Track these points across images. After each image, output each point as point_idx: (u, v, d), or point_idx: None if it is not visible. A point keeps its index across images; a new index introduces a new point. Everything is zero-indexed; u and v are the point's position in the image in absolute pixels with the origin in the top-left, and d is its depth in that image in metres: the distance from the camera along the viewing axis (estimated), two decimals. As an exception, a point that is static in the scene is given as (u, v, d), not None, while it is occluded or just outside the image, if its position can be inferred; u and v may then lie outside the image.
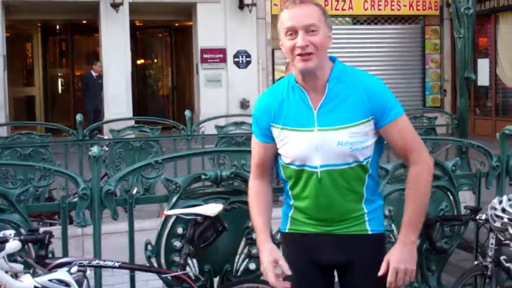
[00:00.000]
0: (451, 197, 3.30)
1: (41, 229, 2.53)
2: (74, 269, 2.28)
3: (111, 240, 3.90)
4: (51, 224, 5.52)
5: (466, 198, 4.24)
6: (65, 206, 2.86)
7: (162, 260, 2.85)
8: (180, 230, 2.84)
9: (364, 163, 2.15)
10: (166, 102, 17.11)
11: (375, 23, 14.62)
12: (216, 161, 6.08)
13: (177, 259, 2.82)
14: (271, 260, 2.15)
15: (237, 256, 2.99)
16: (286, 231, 2.29)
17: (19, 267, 2.37)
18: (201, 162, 6.04)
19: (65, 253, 2.81)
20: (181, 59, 16.28)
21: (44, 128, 10.19)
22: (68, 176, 2.98)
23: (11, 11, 13.47)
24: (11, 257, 2.39)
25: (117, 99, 13.13)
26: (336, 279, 2.30)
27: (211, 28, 13.51)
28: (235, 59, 13.81)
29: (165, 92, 17.43)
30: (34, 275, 2.24)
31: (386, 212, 3.01)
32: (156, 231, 2.87)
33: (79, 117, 6.36)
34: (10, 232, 2.36)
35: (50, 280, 2.18)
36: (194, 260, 2.87)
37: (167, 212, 2.82)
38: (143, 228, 3.76)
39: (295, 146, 2.16)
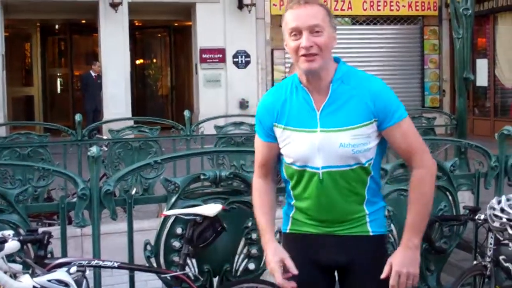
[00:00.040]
0: (450, 197, 3.30)
1: (40, 229, 2.53)
2: (73, 269, 2.28)
3: (110, 240, 3.89)
4: (50, 225, 5.51)
5: (465, 198, 4.24)
6: (64, 206, 2.86)
7: (162, 260, 2.85)
8: (179, 230, 2.84)
9: (366, 165, 2.14)
10: (165, 102, 17.10)
11: (374, 24, 14.64)
12: (215, 161, 6.08)
13: (176, 259, 2.82)
14: (278, 260, 2.16)
15: (237, 256, 2.99)
16: (287, 231, 2.28)
17: (18, 267, 2.37)
18: (200, 162, 6.03)
19: (64, 253, 2.81)
20: (180, 59, 16.28)
21: (43, 128, 10.17)
22: (67, 176, 2.99)
23: (10, 10, 13.46)
24: (10, 258, 2.39)
25: (116, 99, 13.13)
26: (337, 279, 2.30)
27: (210, 28, 13.51)
28: (234, 59, 13.81)
29: (164, 92, 17.43)
30: (33, 275, 2.24)
31: (385, 212, 3.01)
32: (155, 231, 2.87)
33: (78, 117, 6.35)
34: (9, 233, 2.36)
35: (49, 280, 2.18)
36: (194, 260, 2.87)
37: (166, 212, 2.82)
38: (142, 228, 3.76)
39: (297, 146, 2.15)
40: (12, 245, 2.27)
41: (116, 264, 2.60)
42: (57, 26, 16.92)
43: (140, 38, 17.02)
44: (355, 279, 2.20)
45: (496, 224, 3.11)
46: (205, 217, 2.73)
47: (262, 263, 2.99)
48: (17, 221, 2.70)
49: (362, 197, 2.17)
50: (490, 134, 10.95)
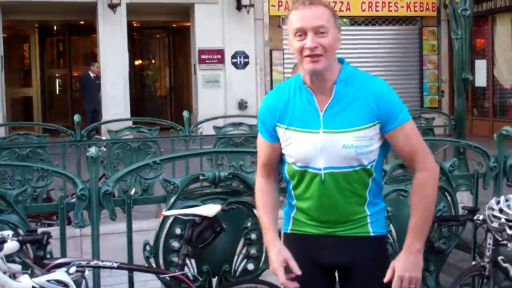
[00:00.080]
0: (449, 197, 3.30)
1: (39, 230, 2.53)
2: (73, 269, 2.28)
3: (110, 241, 3.89)
4: (49, 225, 5.50)
5: (464, 198, 4.24)
6: (63, 206, 2.86)
7: (161, 261, 2.85)
8: (178, 231, 2.84)
9: (368, 167, 2.13)
10: (164, 103, 17.10)
11: (373, 24, 14.65)
12: (214, 162, 6.07)
13: (175, 259, 2.82)
14: (281, 260, 2.16)
15: (235, 257, 2.99)
16: (288, 231, 2.28)
17: (17, 267, 2.37)
18: (199, 163, 6.04)
19: (64, 254, 2.81)
20: (179, 60, 16.28)
21: (42, 129, 10.16)
22: (66, 177, 2.99)
23: (8, 11, 13.45)
24: (9, 258, 2.39)
25: (115, 99, 13.12)
26: (337, 280, 2.30)
27: (209, 29, 13.51)
28: (233, 60, 13.81)
29: (163, 93, 17.43)
30: (32, 275, 2.24)
31: (386, 213, 3.01)
32: (154, 231, 2.87)
33: (77, 117, 6.35)
34: (8, 233, 2.36)
35: (48, 281, 2.18)
36: (193, 261, 2.87)
37: (165, 213, 2.82)
38: (141, 228, 3.76)
39: (299, 147, 2.15)
40: (12, 245, 2.27)
41: (115, 265, 2.61)
42: (55, 27, 16.92)
43: (138, 39, 17.01)
44: (356, 279, 2.20)
45: (495, 225, 3.12)
46: (204, 218, 2.73)
47: (261, 263, 3.00)
48: (16, 222, 2.70)
49: (364, 198, 2.17)
50: (489, 134, 10.97)
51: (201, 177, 2.91)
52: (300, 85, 2.18)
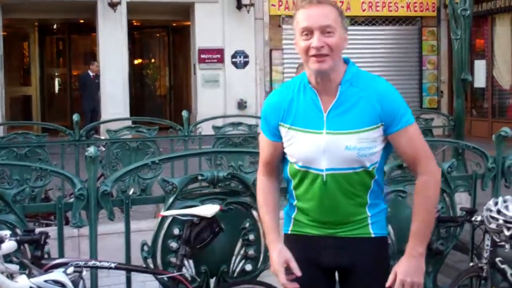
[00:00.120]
0: (447, 198, 3.30)
1: (37, 230, 2.53)
2: (70, 269, 2.28)
3: (108, 241, 3.90)
4: (47, 225, 5.50)
5: (462, 199, 4.24)
6: (61, 206, 2.86)
7: (159, 261, 2.85)
8: (176, 231, 2.83)
9: (371, 169, 2.13)
10: (164, 103, 17.10)
11: (373, 24, 14.65)
12: (213, 162, 6.07)
13: (173, 260, 2.82)
14: (282, 261, 2.16)
15: (234, 257, 2.99)
16: (289, 232, 2.28)
17: (14, 267, 2.37)
18: (198, 163, 6.03)
19: (61, 254, 2.81)
20: (179, 59, 16.28)
21: (41, 128, 10.19)
22: (65, 177, 2.98)
23: (8, 10, 13.45)
24: (6, 258, 2.39)
25: (114, 99, 13.12)
26: (337, 280, 2.30)
27: (209, 28, 13.51)
28: (233, 60, 13.81)
29: (162, 92, 17.43)
30: (30, 275, 2.24)
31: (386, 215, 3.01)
32: (152, 232, 2.86)
33: (75, 117, 6.34)
34: (6, 233, 2.36)
35: (45, 281, 2.19)
36: (191, 261, 2.86)
37: (164, 213, 2.82)
38: (139, 229, 3.76)
39: (302, 147, 2.14)
40: (9, 245, 2.27)
41: (113, 265, 2.60)
42: (55, 26, 16.91)
43: (138, 38, 17.02)
44: (356, 280, 2.19)
45: (493, 226, 3.12)
46: (202, 218, 2.72)
47: (259, 264, 3.00)
48: (14, 221, 2.70)
49: (365, 199, 2.16)
50: (488, 135, 10.96)
51: (199, 177, 2.91)
52: (305, 85, 2.16)
